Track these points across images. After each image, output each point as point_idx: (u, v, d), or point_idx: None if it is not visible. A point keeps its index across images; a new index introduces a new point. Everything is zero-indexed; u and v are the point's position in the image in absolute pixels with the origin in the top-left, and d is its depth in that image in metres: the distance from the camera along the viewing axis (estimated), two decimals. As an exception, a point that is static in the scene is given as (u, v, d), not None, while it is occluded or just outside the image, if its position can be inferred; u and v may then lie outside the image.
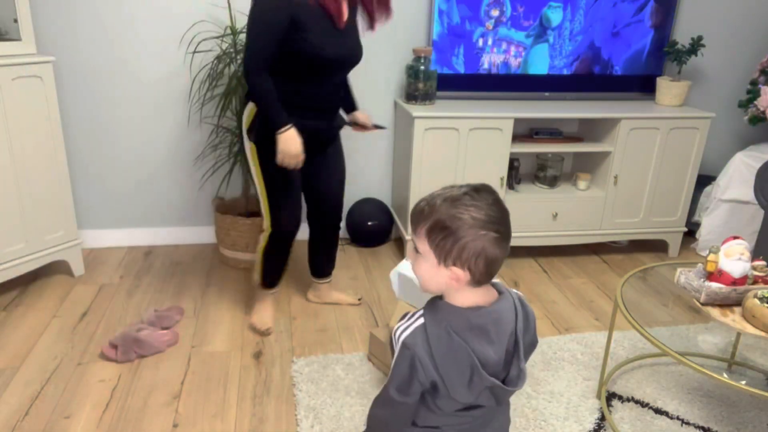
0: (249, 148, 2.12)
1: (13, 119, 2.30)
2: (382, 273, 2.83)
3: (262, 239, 2.25)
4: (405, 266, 2.00)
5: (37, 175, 2.42)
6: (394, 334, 1.06)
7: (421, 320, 1.04)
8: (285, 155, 2.01)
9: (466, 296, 1.04)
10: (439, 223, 0.99)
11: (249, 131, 2.10)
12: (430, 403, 1.08)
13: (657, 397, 2.04)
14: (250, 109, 2.08)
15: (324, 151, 2.25)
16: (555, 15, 2.94)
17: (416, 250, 1.05)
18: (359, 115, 2.35)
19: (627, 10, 3.03)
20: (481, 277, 1.01)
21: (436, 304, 1.06)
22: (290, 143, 2.00)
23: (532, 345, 1.14)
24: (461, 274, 1.00)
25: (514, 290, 1.12)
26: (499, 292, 1.08)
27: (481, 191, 1.02)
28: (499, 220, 1.00)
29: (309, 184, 2.28)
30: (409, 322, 1.05)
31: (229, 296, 2.59)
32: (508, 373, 1.07)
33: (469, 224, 0.98)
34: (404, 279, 1.98)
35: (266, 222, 2.21)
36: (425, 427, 1.11)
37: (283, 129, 1.98)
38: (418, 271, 1.06)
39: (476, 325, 1.02)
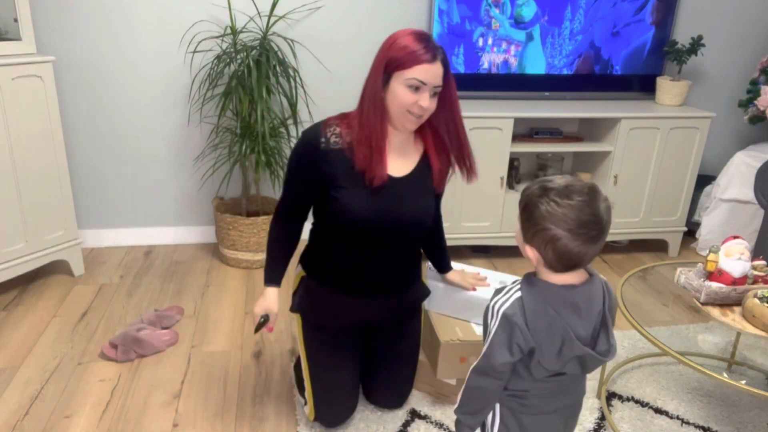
0: (294, 317, 1.85)
1: (13, 119, 2.29)
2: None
3: (307, 413, 1.86)
4: (431, 276, 1.97)
5: (37, 175, 2.42)
6: (492, 308, 1.18)
7: (519, 293, 1.17)
8: (255, 307, 1.72)
9: (555, 277, 1.15)
10: (525, 205, 1.13)
11: (293, 296, 1.82)
12: (521, 371, 1.20)
13: (657, 396, 2.04)
14: (298, 272, 1.82)
15: (387, 333, 1.87)
16: (528, 11, 2.93)
17: None
18: (454, 277, 1.94)
19: (627, 9, 3.03)
20: (554, 264, 1.13)
21: (532, 280, 1.18)
22: (260, 300, 1.71)
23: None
24: (535, 255, 1.14)
25: (601, 276, 1.22)
26: (590, 274, 1.19)
27: (573, 190, 1.09)
28: (578, 221, 1.08)
29: (365, 364, 1.90)
30: (507, 296, 1.18)
31: (229, 296, 2.59)
32: (595, 347, 1.18)
33: (543, 215, 1.09)
34: (432, 289, 1.95)
35: (309, 408, 1.82)
36: (514, 390, 1.24)
37: (266, 285, 1.74)
38: (516, 237, 1.21)
39: (571, 302, 1.14)
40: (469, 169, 1.73)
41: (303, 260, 1.82)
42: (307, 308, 1.80)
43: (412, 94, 1.52)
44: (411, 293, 1.83)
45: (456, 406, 1.29)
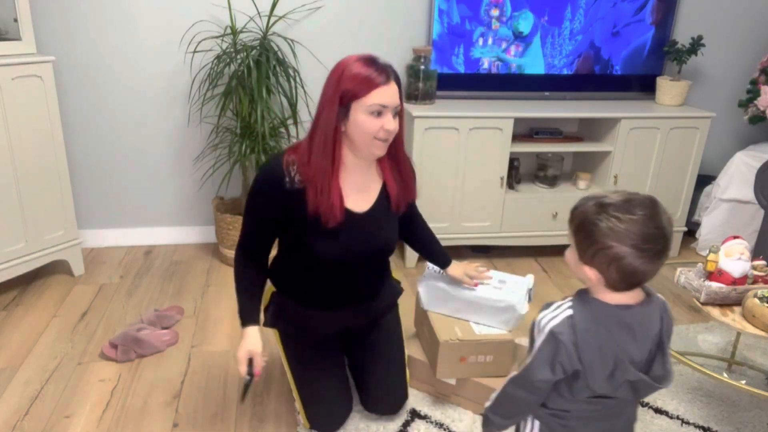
0: (273, 331, 1.85)
1: (13, 119, 2.29)
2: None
3: (302, 422, 1.82)
4: (430, 276, 1.98)
5: (38, 175, 2.42)
6: (539, 323, 1.13)
7: (570, 311, 1.11)
8: (238, 351, 1.62)
9: (610, 295, 1.10)
10: (581, 224, 1.08)
11: (265, 311, 1.81)
12: (563, 390, 1.15)
13: (657, 396, 2.04)
14: (268, 287, 1.78)
15: (365, 336, 1.87)
16: (525, 24, 2.93)
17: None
18: (455, 271, 1.91)
19: (627, 9, 3.03)
20: (616, 283, 1.07)
21: (585, 298, 1.13)
22: (242, 344, 1.61)
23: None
24: (595, 275, 1.08)
25: (659, 295, 1.17)
26: (647, 294, 1.13)
27: (634, 204, 1.04)
28: (643, 236, 1.03)
29: (354, 372, 1.92)
30: (556, 312, 1.12)
31: (229, 296, 2.58)
32: (649, 371, 1.12)
33: (604, 233, 1.04)
34: (431, 289, 1.96)
35: (302, 417, 1.80)
36: (554, 409, 1.19)
37: (243, 326, 1.65)
38: (567, 258, 1.14)
39: (625, 323, 1.09)
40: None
41: (270, 275, 1.77)
42: (281, 323, 1.79)
43: (376, 120, 1.49)
44: (383, 297, 1.83)
45: (489, 403, 1.26)
